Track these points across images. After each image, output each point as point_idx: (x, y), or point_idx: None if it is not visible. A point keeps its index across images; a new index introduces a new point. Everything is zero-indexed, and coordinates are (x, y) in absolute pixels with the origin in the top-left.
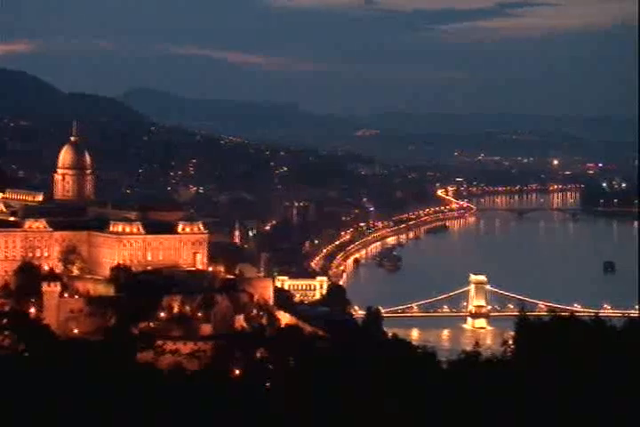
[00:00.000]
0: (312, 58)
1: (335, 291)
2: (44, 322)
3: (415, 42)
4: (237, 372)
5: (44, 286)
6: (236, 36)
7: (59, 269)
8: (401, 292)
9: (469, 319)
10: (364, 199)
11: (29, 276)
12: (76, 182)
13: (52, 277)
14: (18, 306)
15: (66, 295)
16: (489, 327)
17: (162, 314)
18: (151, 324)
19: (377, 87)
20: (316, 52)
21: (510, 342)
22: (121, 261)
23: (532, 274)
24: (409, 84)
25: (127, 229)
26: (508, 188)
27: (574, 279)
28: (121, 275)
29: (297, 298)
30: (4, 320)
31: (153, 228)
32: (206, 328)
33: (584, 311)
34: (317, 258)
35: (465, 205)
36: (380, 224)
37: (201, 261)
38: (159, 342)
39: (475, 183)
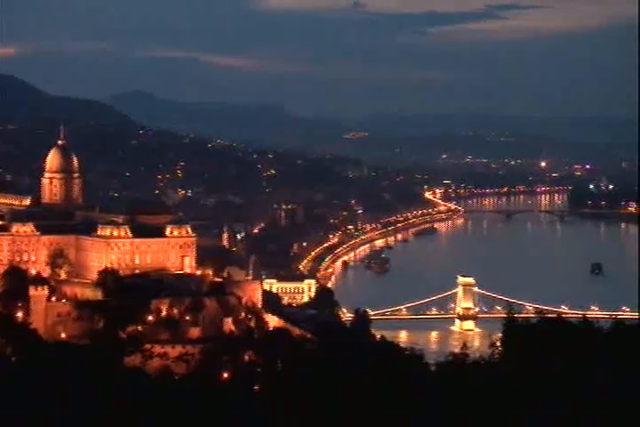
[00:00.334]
0: (299, 60)
1: (323, 293)
2: (32, 326)
3: (403, 44)
4: (226, 375)
5: (32, 290)
6: (224, 38)
7: (46, 273)
8: (389, 294)
9: (457, 321)
10: (353, 202)
11: (17, 280)
12: (64, 186)
13: (39, 281)
14: (5, 310)
15: (53, 299)
16: (477, 329)
17: (150, 318)
18: (139, 327)
19: (365, 89)
20: (303, 55)
21: (498, 343)
22: (109, 265)
23: (520, 276)
24: (397, 86)
25: (115, 233)
26: (496, 190)
27: (562, 281)
28: (109, 279)
29: (285, 301)
30: None
31: (141, 231)
32: (194, 332)
33: (572, 313)
34: (306, 260)
35: (453, 207)
36: (368, 226)
37: (189, 265)
38: (147, 346)
39: (462, 185)
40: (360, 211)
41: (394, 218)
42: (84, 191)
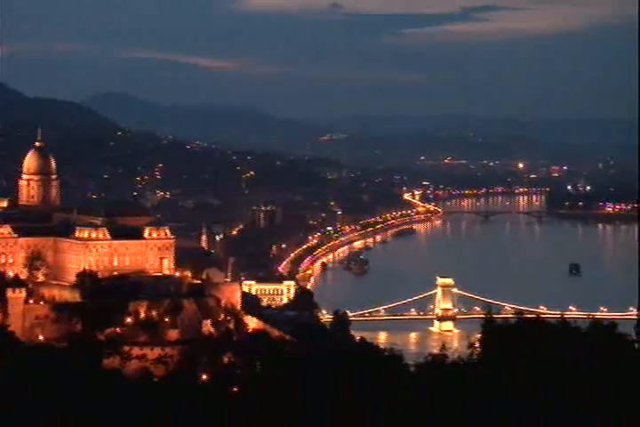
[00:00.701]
0: (278, 62)
1: (302, 295)
2: (9, 329)
3: (380, 45)
4: (205, 377)
5: (9, 293)
6: (202, 40)
7: (24, 275)
8: (368, 295)
9: (436, 322)
10: (331, 203)
11: None
12: (42, 188)
13: (17, 283)
14: None
15: (31, 302)
16: (456, 330)
17: (128, 320)
18: (117, 329)
19: (343, 91)
20: (282, 56)
21: (477, 344)
22: (87, 267)
23: (499, 276)
24: (375, 87)
25: (93, 235)
26: (475, 191)
27: (540, 281)
28: (87, 281)
29: (264, 302)
30: None
31: (119, 233)
32: (173, 333)
33: (550, 313)
34: (285, 262)
35: (431, 209)
36: (347, 228)
37: (167, 267)
38: (126, 348)
39: (441, 187)
40: (339, 212)
41: (373, 219)
42: (62, 193)
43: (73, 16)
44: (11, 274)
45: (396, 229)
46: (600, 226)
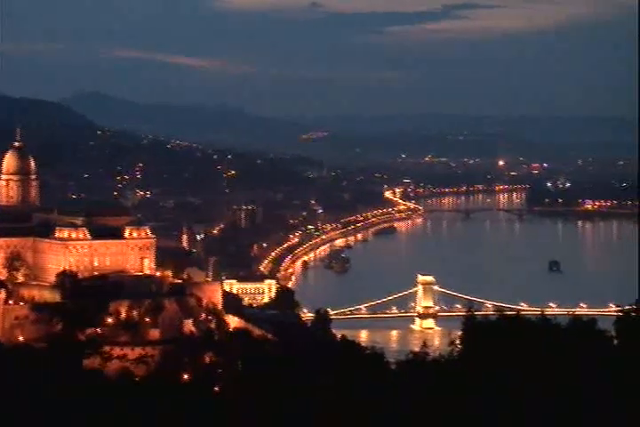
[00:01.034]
0: (256, 61)
1: (284, 294)
2: None
3: (361, 44)
4: (186, 376)
5: None
6: (182, 38)
7: (3, 275)
8: (349, 293)
9: (417, 320)
10: (312, 202)
11: None
12: (21, 188)
13: None
14: None
15: (11, 302)
16: (437, 328)
17: (109, 320)
18: (98, 330)
19: (324, 89)
20: (262, 55)
21: (458, 341)
22: (67, 267)
23: (479, 274)
24: (356, 85)
25: (73, 235)
26: (455, 189)
27: (520, 278)
28: (67, 281)
29: (246, 301)
30: None
31: (99, 233)
32: (154, 333)
33: (530, 310)
34: (266, 261)
35: (412, 207)
36: (328, 226)
37: (148, 266)
38: (106, 348)
39: (422, 185)
40: (320, 211)
41: (354, 218)
42: (42, 193)
43: (55, 15)
44: None
45: (376, 228)
46: (579, 223)
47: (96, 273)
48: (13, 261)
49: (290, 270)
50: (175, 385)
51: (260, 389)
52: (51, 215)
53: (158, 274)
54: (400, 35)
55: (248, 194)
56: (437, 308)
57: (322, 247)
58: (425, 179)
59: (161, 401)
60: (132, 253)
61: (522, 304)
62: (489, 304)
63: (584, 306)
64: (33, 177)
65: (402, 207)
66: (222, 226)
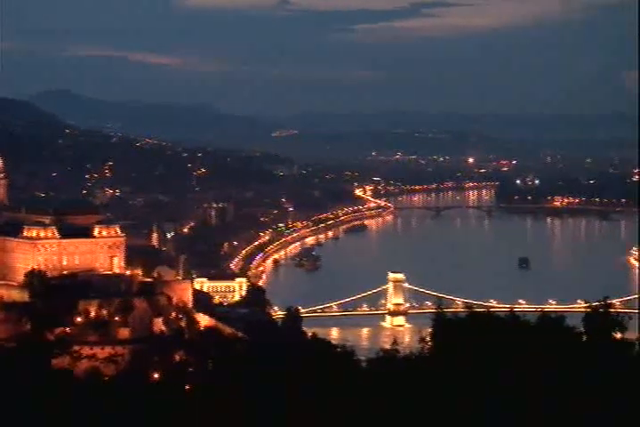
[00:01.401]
0: (226, 58)
1: (254, 292)
2: None
3: (330, 42)
4: (156, 375)
5: None
6: (151, 36)
7: None
8: (320, 291)
9: (388, 317)
10: (283, 200)
11: None
12: None
13: None
14: None
15: None
16: (407, 325)
17: (78, 319)
18: (67, 329)
19: (293, 88)
20: (232, 53)
21: (428, 338)
22: (35, 267)
23: (450, 271)
24: (325, 84)
25: (42, 234)
26: (425, 186)
27: (490, 275)
28: (35, 280)
29: (216, 300)
30: None
31: (68, 232)
32: (124, 332)
33: (500, 307)
34: (236, 259)
35: (383, 204)
36: (298, 224)
37: (118, 265)
38: (76, 348)
39: (392, 182)
40: (290, 209)
41: (324, 215)
42: (10, 192)
43: (22, 13)
44: None
45: (347, 225)
46: (548, 220)
47: (65, 272)
48: None
49: (260, 269)
50: (145, 384)
51: (231, 387)
52: (19, 214)
53: (128, 273)
54: (369, 32)
55: (218, 192)
56: (408, 305)
57: (292, 245)
58: (395, 176)
59: (131, 401)
60: (102, 251)
61: (491, 301)
62: (459, 301)
63: (553, 303)
64: (1, 176)
65: (372, 205)
66: (192, 224)
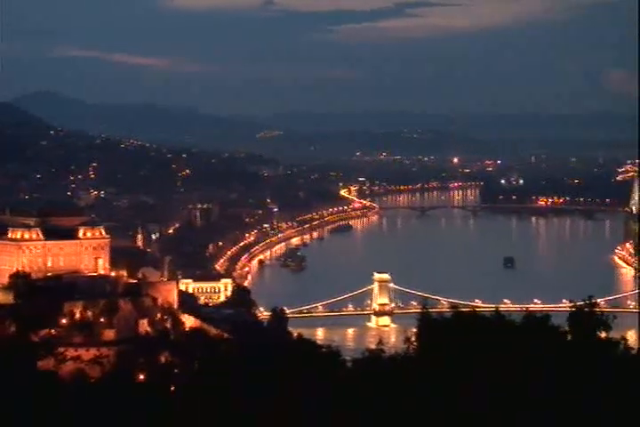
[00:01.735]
0: (211, 59)
1: (240, 293)
2: None
3: (315, 42)
4: (142, 377)
5: None
6: (134, 37)
7: None
8: (306, 292)
9: (373, 318)
10: (268, 200)
11: None
12: None
13: None
14: None
15: None
16: (393, 325)
17: (63, 320)
18: (52, 331)
19: (278, 88)
20: (215, 54)
21: (413, 338)
22: (20, 268)
23: (435, 271)
24: (310, 84)
25: (26, 236)
26: (410, 186)
27: (475, 275)
28: (20, 282)
29: (202, 301)
30: None
31: (53, 233)
32: (109, 334)
33: (485, 306)
34: (222, 260)
35: (368, 204)
36: (283, 225)
37: (103, 267)
38: (61, 349)
39: (377, 182)
40: (275, 209)
41: (309, 216)
42: None
43: (4, 15)
44: None
45: (332, 226)
46: (533, 219)
47: (50, 274)
48: None
49: (246, 269)
50: (131, 386)
51: (217, 388)
52: (3, 216)
53: (113, 274)
54: (353, 33)
55: (203, 193)
56: (393, 305)
57: (278, 246)
58: (380, 177)
59: (116, 402)
60: (87, 253)
61: (477, 301)
62: (444, 301)
63: (538, 302)
64: None
65: (357, 205)
66: (177, 225)
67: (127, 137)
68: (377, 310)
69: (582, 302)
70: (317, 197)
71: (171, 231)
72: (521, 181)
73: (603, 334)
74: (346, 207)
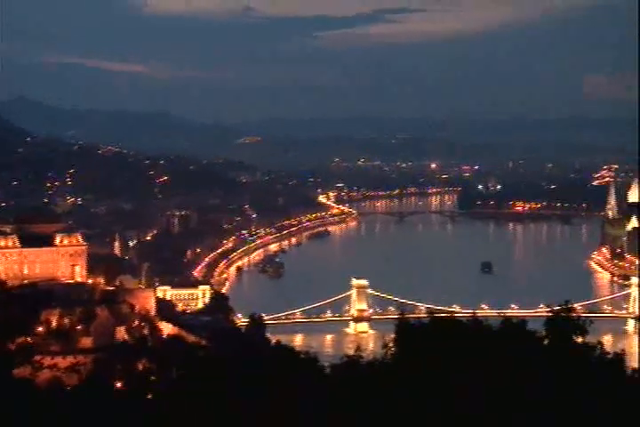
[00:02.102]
0: (190, 65)
1: (218, 299)
2: None
3: (294, 48)
4: (119, 384)
5: None
6: (111, 43)
7: None
8: (284, 298)
9: (352, 324)
10: (246, 206)
11: None
12: None
13: None
14: None
15: None
16: (371, 331)
17: (39, 328)
18: (28, 339)
19: (257, 94)
20: (194, 60)
21: (391, 344)
22: None
23: (413, 276)
24: (289, 90)
25: (2, 243)
26: (388, 192)
27: (453, 280)
28: None
29: (179, 308)
30: None
31: (30, 240)
32: (86, 341)
33: (462, 312)
34: (200, 267)
35: (346, 210)
36: (262, 231)
37: (80, 274)
38: (37, 357)
39: (355, 188)
40: (254, 215)
41: (288, 222)
42: None
43: None
44: None
45: (311, 232)
46: (511, 225)
47: (26, 281)
48: None
49: (224, 276)
50: (108, 394)
51: (195, 395)
52: None
53: (90, 281)
54: (332, 39)
55: (181, 199)
56: (371, 311)
57: (256, 252)
58: (358, 182)
59: (93, 410)
60: (63, 260)
61: (454, 306)
62: (422, 306)
63: (515, 307)
64: None
65: (335, 211)
66: (155, 232)
67: (104, 143)
68: (355, 315)
69: (559, 307)
70: (296, 203)
71: (148, 238)
72: (499, 187)
73: (579, 339)
74: (324, 213)
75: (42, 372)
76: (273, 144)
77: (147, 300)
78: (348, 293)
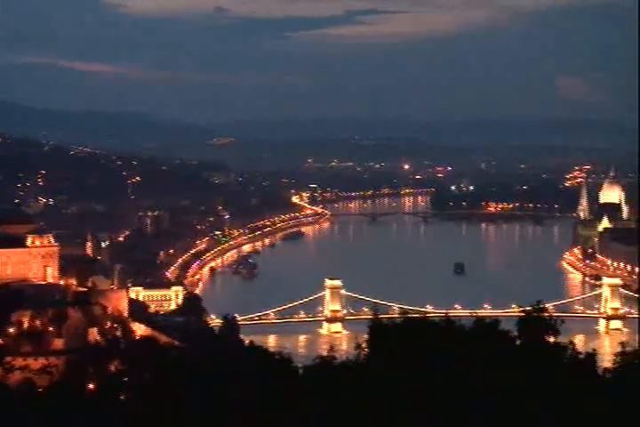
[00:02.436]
0: (162, 66)
1: (191, 300)
2: None
3: (266, 49)
4: (91, 386)
5: None
6: (84, 43)
7: None
8: (257, 299)
9: (325, 324)
10: (219, 207)
11: None
12: None
13: None
14: None
15: None
16: (344, 332)
17: (11, 330)
18: (0, 340)
19: (229, 95)
20: (166, 61)
21: (364, 345)
22: None
23: (386, 277)
24: (261, 91)
25: None
26: (361, 193)
27: (427, 281)
28: None
29: (152, 309)
30: None
31: (1, 242)
32: (58, 343)
33: (435, 312)
34: (173, 268)
35: (319, 211)
36: (235, 232)
37: (52, 275)
38: (8, 359)
39: (328, 189)
40: (227, 216)
41: (261, 223)
42: None
43: None
44: None
45: (284, 233)
46: (483, 225)
47: None
48: None
49: (197, 277)
50: (80, 395)
51: (168, 396)
52: None
53: (62, 282)
54: (304, 40)
55: (154, 200)
56: (345, 312)
57: (229, 253)
58: (331, 183)
59: (66, 412)
60: (35, 261)
61: (427, 306)
62: (395, 307)
63: (488, 307)
64: None
65: (309, 212)
66: (128, 233)
67: (77, 144)
68: (329, 316)
69: (531, 307)
70: (269, 203)
71: (121, 239)
72: (471, 188)
73: (551, 339)
74: (297, 214)
75: (13, 373)
76: (246, 145)
77: (119, 301)
78: (322, 293)
